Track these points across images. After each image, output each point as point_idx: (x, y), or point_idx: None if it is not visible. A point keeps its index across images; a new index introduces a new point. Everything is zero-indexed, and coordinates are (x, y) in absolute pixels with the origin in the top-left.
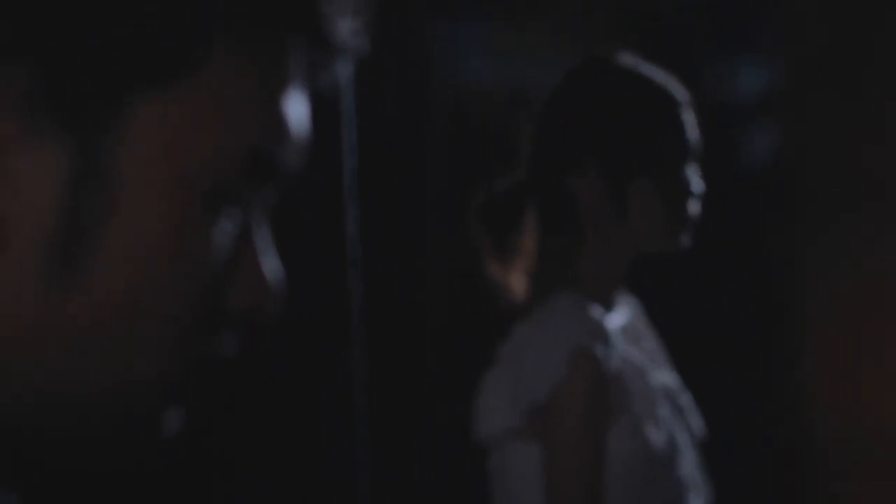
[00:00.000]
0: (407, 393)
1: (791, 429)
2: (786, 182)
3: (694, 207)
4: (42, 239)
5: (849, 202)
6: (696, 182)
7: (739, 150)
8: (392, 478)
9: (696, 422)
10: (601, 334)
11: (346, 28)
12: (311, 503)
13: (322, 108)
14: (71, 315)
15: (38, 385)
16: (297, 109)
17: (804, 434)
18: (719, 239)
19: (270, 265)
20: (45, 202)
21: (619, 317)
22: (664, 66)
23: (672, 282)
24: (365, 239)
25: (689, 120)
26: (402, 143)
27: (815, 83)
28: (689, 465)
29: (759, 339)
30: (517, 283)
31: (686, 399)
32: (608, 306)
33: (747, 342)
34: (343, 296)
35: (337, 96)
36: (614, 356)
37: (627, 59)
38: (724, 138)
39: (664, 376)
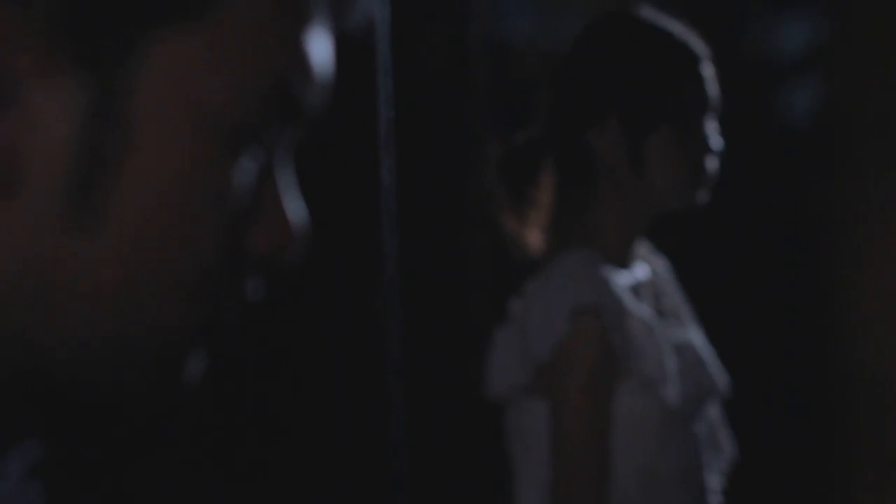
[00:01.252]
0: (443, 348)
1: (820, 388)
2: (830, 140)
3: (712, 163)
4: (59, 176)
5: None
6: (715, 138)
7: (783, 107)
8: (427, 432)
9: (721, 379)
10: (607, 291)
11: None
12: (341, 455)
13: (358, 56)
14: (90, 255)
15: (59, 329)
16: (320, 47)
17: (832, 395)
18: (761, 196)
19: (294, 207)
20: (61, 138)
21: (633, 274)
22: (708, 24)
23: (712, 240)
24: (401, 191)
25: (709, 74)
26: (442, 96)
27: (859, 40)
28: (709, 423)
29: (800, 300)
30: (534, 237)
31: (710, 356)
32: (623, 263)
33: (790, 301)
34: (377, 249)
35: (373, 44)
36: (620, 314)
37: (647, 13)
38: (767, 95)
39: (686, 333)
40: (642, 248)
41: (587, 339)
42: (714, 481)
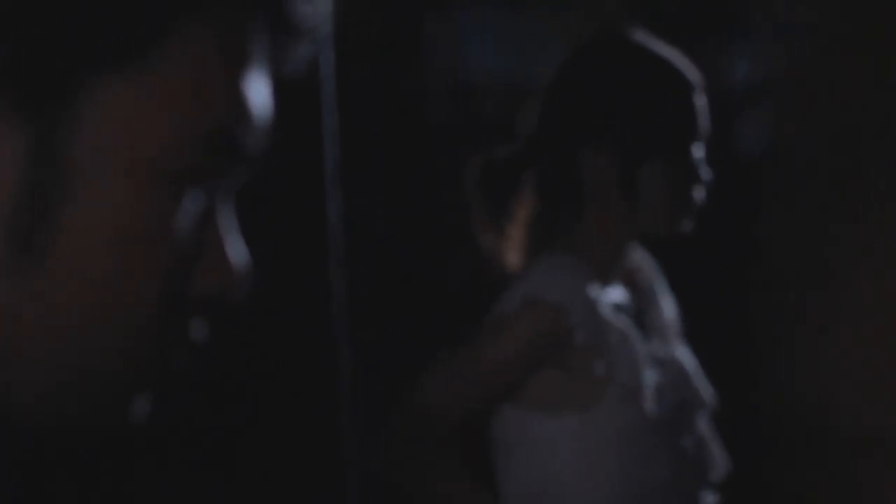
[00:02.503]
0: (393, 387)
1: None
2: (780, 170)
3: (699, 193)
4: (1, 221)
5: (844, 191)
6: (704, 168)
7: (735, 138)
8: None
9: (707, 393)
10: (575, 294)
11: (310, 11)
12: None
13: (304, 96)
14: (33, 300)
15: (6, 365)
16: (259, 91)
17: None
18: (714, 226)
19: (236, 248)
20: (2, 183)
21: (614, 294)
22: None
23: (665, 267)
24: (348, 229)
25: (702, 104)
26: (395, 133)
27: (810, 71)
28: (696, 437)
29: (749, 327)
30: (511, 253)
31: (696, 371)
32: (605, 280)
33: (738, 330)
34: (325, 286)
35: (317, 84)
36: (591, 318)
37: (641, 38)
38: (719, 126)
39: (669, 349)
40: (634, 255)
41: (529, 321)
42: (704, 495)
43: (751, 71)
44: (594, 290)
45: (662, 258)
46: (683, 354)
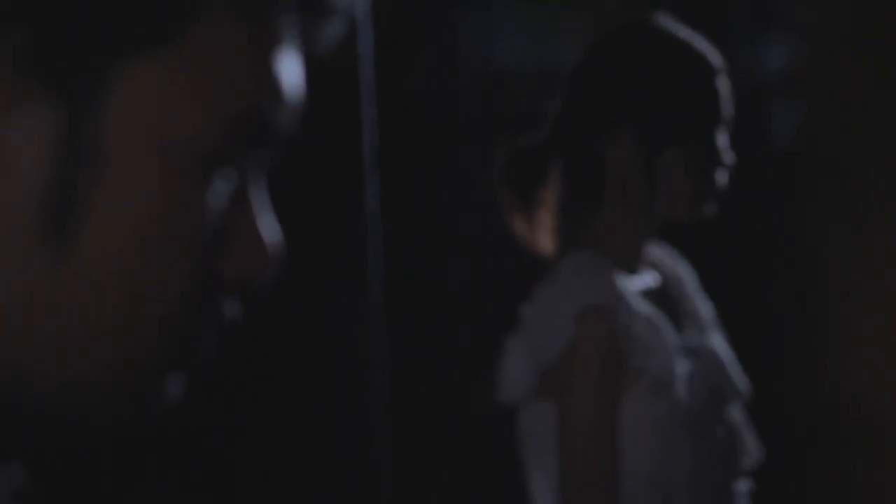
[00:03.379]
0: (428, 374)
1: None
2: (809, 158)
3: (722, 177)
4: (31, 206)
5: (876, 182)
6: (727, 153)
7: (764, 129)
8: (416, 457)
9: (742, 383)
10: (612, 292)
11: None
12: (326, 476)
13: (342, 81)
14: (64, 284)
15: (35, 358)
16: (289, 70)
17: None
18: (743, 217)
19: (268, 229)
20: (33, 169)
21: (641, 279)
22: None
23: (694, 257)
24: (386, 215)
25: (725, 89)
26: (430, 120)
27: (840, 62)
28: (730, 426)
29: (780, 316)
30: (543, 239)
31: (731, 360)
32: (630, 269)
33: (769, 320)
34: (363, 275)
35: (357, 70)
36: (627, 314)
37: (666, 24)
38: (749, 117)
39: (703, 338)
40: (662, 252)
41: (593, 339)
42: (738, 484)
43: (781, 62)
44: (622, 283)
45: (692, 248)
46: (718, 343)
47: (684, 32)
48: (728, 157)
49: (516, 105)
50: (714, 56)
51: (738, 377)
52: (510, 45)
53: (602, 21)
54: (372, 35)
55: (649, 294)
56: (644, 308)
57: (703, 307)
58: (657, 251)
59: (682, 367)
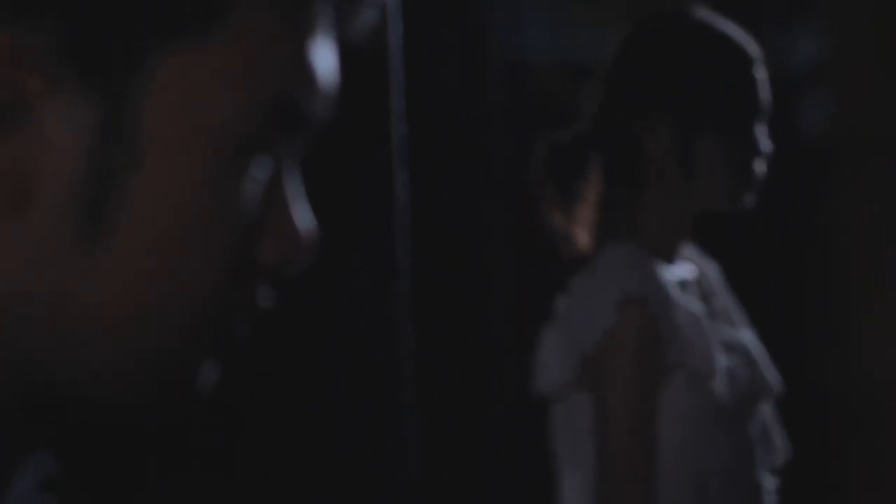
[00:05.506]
0: (456, 367)
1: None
2: (835, 151)
3: (760, 167)
4: (69, 196)
5: None
6: (764, 142)
7: (792, 120)
8: (443, 444)
9: (774, 379)
10: (653, 283)
11: None
12: (358, 457)
13: (373, 72)
14: (100, 275)
15: (69, 348)
16: (324, 58)
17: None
18: (775, 209)
19: (303, 216)
20: (71, 158)
21: (679, 271)
22: None
23: (723, 247)
24: (415, 206)
25: (762, 78)
26: (459, 111)
27: (867, 53)
28: (762, 422)
29: (812, 311)
30: (580, 233)
31: (763, 356)
32: (668, 259)
33: (800, 314)
34: (391, 264)
35: (387, 61)
36: (668, 305)
37: (703, 14)
38: (780, 108)
39: (737, 333)
40: (691, 251)
41: (633, 329)
42: (768, 480)
43: (813, 52)
44: (662, 274)
45: (724, 243)
46: (750, 339)
47: (721, 22)
48: (765, 146)
49: (546, 96)
50: (751, 45)
51: (771, 374)
52: (539, 35)
53: (632, 11)
54: (401, 25)
55: (688, 286)
56: (684, 300)
57: (733, 304)
58: (687, 248)
59: (720, 361)
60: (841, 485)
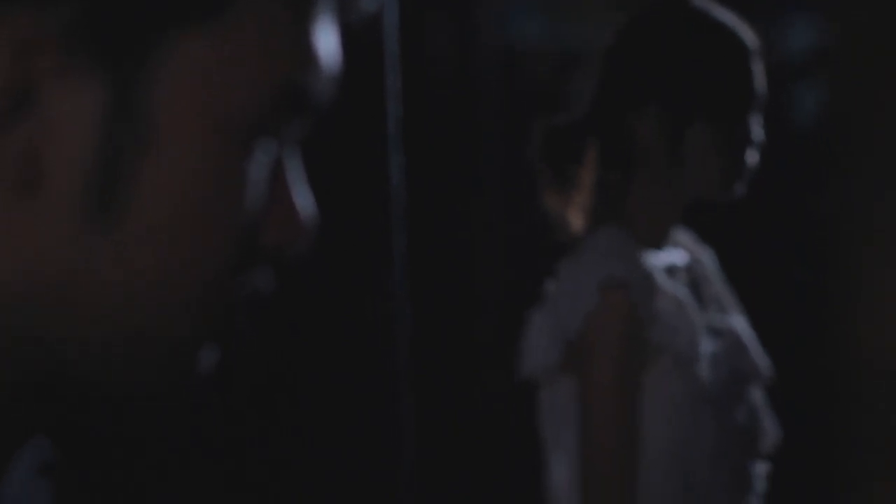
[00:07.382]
0: (452, 348)
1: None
2: (834, 140)
3: (752, 158)
4: (78, 177)
5: None
6: (757, 132)
7: (789, 109)
8: (437, 430)
9: (763, 364)
10: (636, 267)
11: None
12: (351, 446)
13: (367, 55)
14: (108, 255)
15: (76, 329)
16: (326, 40)
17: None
18: (769, 198)
19: (303, 199)
20: (80, 139)
21: (669, 256)
22: None
23: (720, 238)
24: (410, 188)
25: (756, 68)
26: (451, 95)
27: (865, 41)
28: (750, 407)
29: (807, 298)
30: (575, 217)
31: (753, 342)
32: (657, 246)
33: (794, 303)
34: (386, 246)
35: (382, 44)
36: (651, 290)
37: (699, 2)
38: (775, 96)
39: (727, 319)
40: (684, 237)
41: (616, 312)
42: (757, 466)
43: (807, 40)
44: (648, 259)
45: (719, 233)
46: (740, 324)
47: (717, 10)
48: (758, 136)
49: (538, 80)
50: (747, 34)
51: (761, 359)
52: (529, 21)
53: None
54: (397, 9)
55: (676, 272)
56: (669, 285)
57: (725, 290)
58: (681, 234)
59: (705, 345)
60: (839, 473)
